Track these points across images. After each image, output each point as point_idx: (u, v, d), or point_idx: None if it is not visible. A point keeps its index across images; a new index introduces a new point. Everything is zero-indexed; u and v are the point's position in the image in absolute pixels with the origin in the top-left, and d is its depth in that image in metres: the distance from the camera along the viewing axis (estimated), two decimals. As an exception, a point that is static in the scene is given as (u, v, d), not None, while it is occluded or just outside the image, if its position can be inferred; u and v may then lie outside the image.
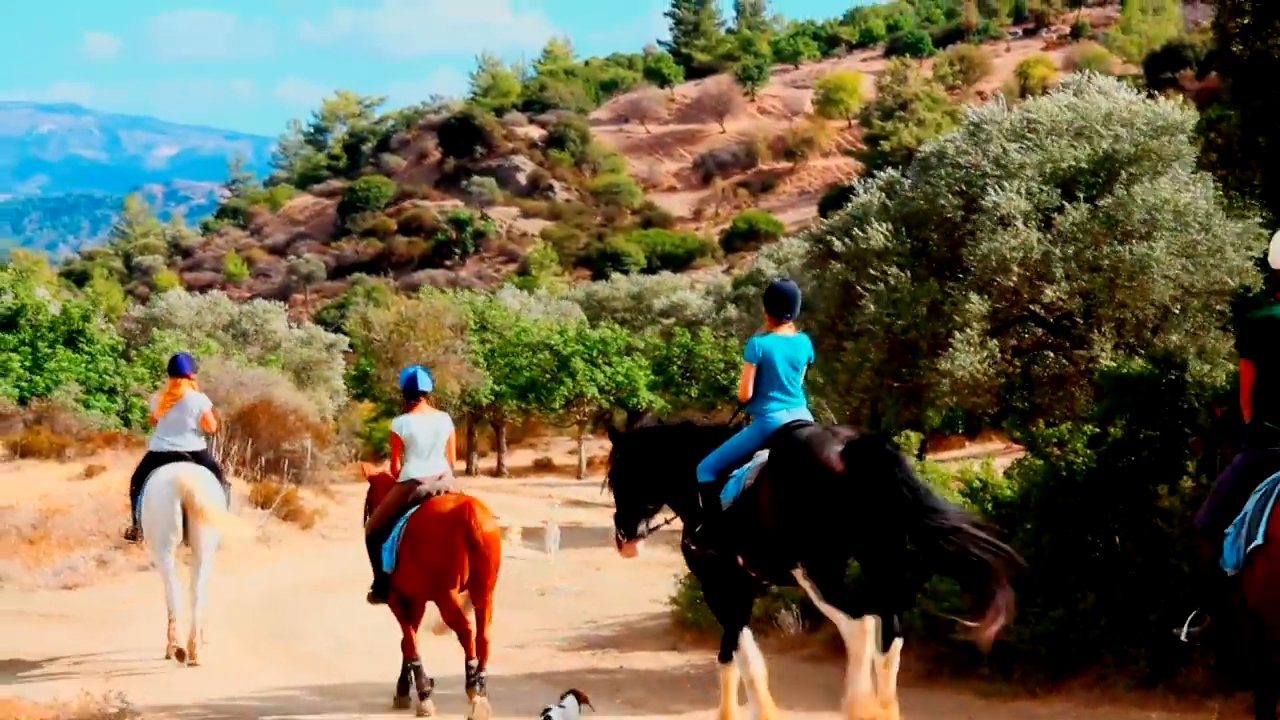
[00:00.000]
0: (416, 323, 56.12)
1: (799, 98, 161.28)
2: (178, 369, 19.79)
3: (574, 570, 27.87)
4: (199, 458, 19.69)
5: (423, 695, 15.88)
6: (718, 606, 13.60)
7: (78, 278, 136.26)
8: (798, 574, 12.36)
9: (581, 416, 61.25)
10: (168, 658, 18.82)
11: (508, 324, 62.81)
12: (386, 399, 57.59)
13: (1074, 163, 23.07)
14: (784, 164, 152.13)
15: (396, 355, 55.23)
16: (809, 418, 13.02)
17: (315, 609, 22.09)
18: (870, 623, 11.82)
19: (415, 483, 16.02)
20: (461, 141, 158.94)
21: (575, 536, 32.51)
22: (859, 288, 23.31)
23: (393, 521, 16.08)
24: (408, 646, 16.30)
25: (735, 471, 12.85)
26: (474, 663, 15.29)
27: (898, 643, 11.79)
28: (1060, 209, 22.36)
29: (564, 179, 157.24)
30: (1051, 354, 24.16)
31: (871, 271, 23.10)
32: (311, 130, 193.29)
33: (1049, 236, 22.49)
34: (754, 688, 12.96)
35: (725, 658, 13.29)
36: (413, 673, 16.17)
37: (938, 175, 23.97)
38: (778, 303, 13.18)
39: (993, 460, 18.96)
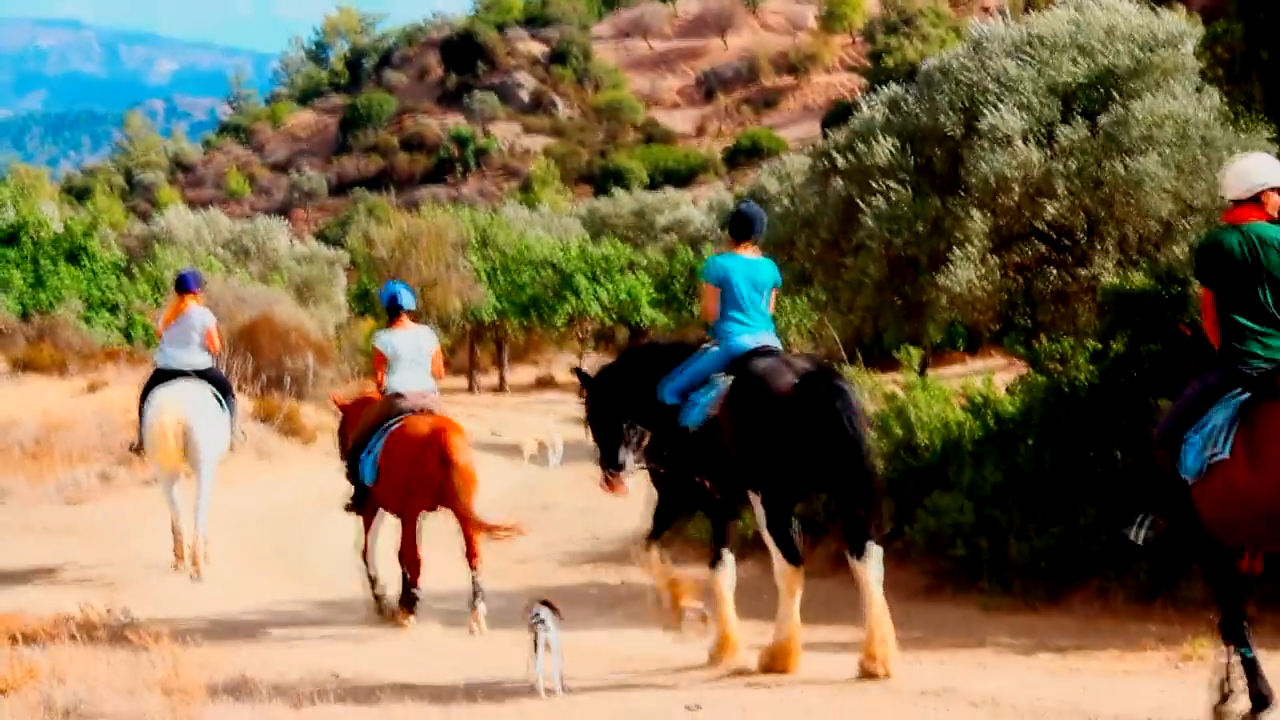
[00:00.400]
0: (418, 240, 55.90)
1: (802, 13, 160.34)
2: (183, 286, 20.12)
3: (576, 485, 27.87)
4: (204, 375, 19.95)
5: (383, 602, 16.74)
6: (660, 520, 14.03)
7: (79, 194, 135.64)
8: (753, 499, 12.77)
9: (584, 334, 61.30)
10: (176, 568, 19.36)
11: (510, 241, 62.60)
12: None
13: (1072, 79, 22.98)
14: (787, 80, 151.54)
15: (399, 272, 54.97)
16: (773, 341, 13.27)
17: (316, 524, 22.09)
18: (801, 572, 12.61)
19: (399, 395, 16.43)
20: (463, 58, 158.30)
21: (578, 452, 32.52)
22: (861, 203, 23.24)
23: (374, 435, 16.40)
24: (368, 555, 17.08)
25: (697, 396, 13.07)
26: (417, 591, 16.09)
27: (875, 551, 12.24)
28: (1063, 122, 22.28)
29: (566, 95, 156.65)
30: (1054, 270, 24.10)
31: (874, 185, 23.03)
32: (313, 46, 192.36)
33: (1049, 153, 22.40)
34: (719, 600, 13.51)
35: (715, 562, 13.74)
36: (372, 582, 17.00)
37: (940, 91, 23.87)
38: (740, 225, 13.48)
39: (995, 376, 18.94)
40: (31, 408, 32.13)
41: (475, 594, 15.71)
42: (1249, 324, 10.00)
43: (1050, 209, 22.39)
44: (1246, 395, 9.80)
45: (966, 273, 22.15)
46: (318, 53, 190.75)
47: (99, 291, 50.19)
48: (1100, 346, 16.83)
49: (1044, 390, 16.81)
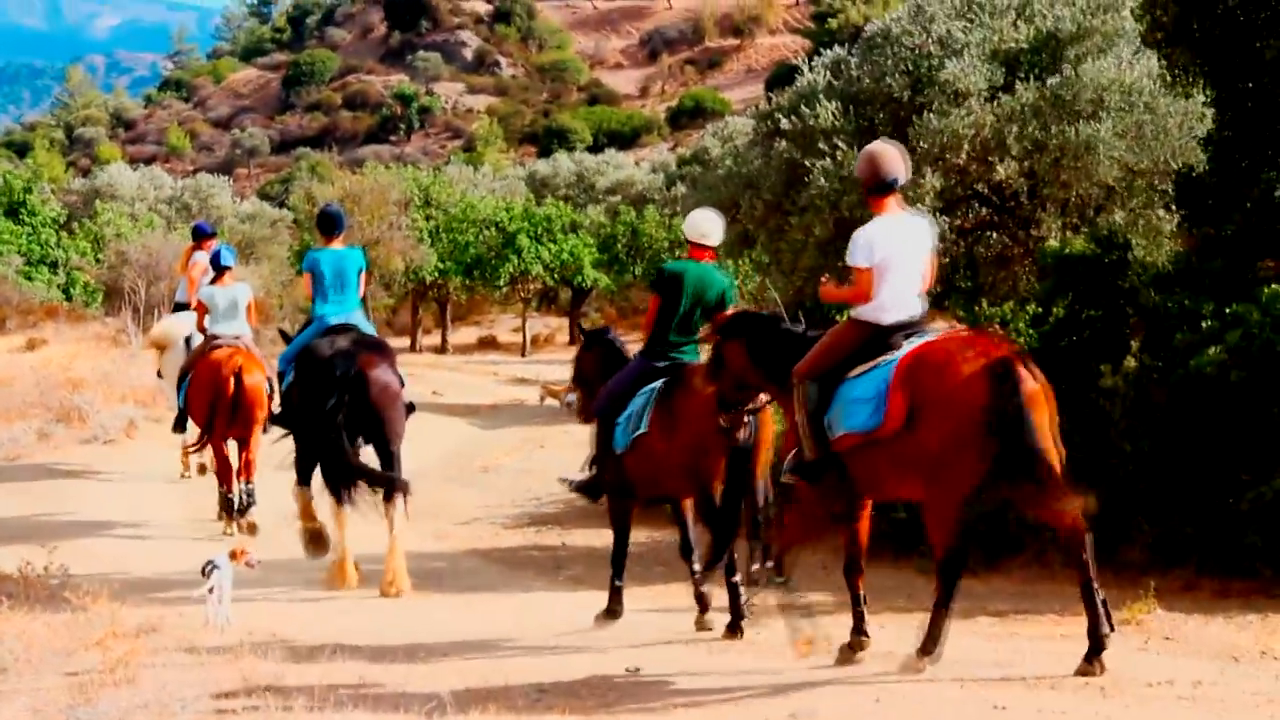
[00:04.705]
0: (361, 198, 55.45)
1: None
2: (196, 234, 24.47)
3: (516, 447, 27.87)
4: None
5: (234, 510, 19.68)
6: (300, 463, 16.63)
7: (18, 149, 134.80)
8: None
9: (526, 294, 60.98)
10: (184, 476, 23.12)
11: (453, 200, 62.20)
12: (331, 274, 57.07)
13: (1015, 43, 22.99)
14: (731, 41, 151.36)
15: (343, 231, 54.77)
16: (356, 319, 16.50)
17: (259, 484, 22.01)
18: (308, 491, 16.44)
19: (214, 338, 19.97)
20: (407, 15, 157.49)
21: (518, 414, 32.51)
22: (806, 164, 23.21)
23: (191, 367, 20.14)
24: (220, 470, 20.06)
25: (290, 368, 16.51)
26: (231, 496, 19.46)
27: (398, 501, 15.68)
28: (1007, 88, 22.28)
29: (510, 55, 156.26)
30: (995, 233, 24.12)
31: (821, 146, 22.98)
32: (255, 2, 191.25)
33: (998, 114, 22.40)
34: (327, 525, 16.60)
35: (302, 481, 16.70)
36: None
37: (884, 54, 23.84)
38: (326, 223, 17.04)
39: (936, 340, 18.91)
40: (-31, 365, 31.92)
41: (246, 501, 19.27)
42: (672, 331, 13.42)
43: (999, 170, 22.35)
44: (661, 382, 13.01)
45: (926, 233, 22.15)
46: (260, 8, 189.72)
47: (39, 247, 49.96)
48: (1040, 310, 16.90)
49: (985, 354, 16.82)
